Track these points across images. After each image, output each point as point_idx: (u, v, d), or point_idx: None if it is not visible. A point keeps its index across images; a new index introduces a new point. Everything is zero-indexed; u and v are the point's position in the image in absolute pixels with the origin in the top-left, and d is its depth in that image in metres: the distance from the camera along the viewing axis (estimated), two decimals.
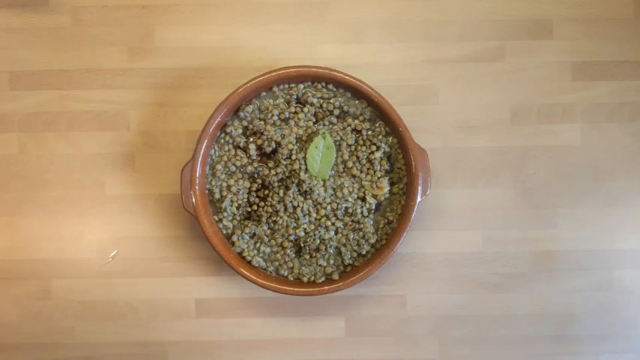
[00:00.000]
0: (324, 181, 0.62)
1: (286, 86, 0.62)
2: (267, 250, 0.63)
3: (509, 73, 0.67)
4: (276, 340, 0.67)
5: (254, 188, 0.62)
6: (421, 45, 0.67)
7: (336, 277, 0.61)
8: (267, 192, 0.62)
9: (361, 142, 0.62)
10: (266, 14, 0.67)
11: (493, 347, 0.67)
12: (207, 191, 0.62)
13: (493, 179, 0.67)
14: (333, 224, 0.62)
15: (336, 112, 0.63)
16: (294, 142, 0.62)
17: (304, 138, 0.62)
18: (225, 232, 0.63)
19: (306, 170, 0.62)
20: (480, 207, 0.67)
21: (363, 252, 0.62)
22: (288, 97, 0.62)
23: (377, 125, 0.62)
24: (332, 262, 0.63)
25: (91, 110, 0.66)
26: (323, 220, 0.62)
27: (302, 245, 0.62)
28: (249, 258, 0.62)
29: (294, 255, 0.63)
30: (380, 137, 0.62)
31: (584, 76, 0.67)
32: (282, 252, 0.62)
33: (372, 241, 0.62)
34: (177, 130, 0.66)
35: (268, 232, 0.62)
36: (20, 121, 0.66)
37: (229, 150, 0.62)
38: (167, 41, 0.67)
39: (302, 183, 0.61)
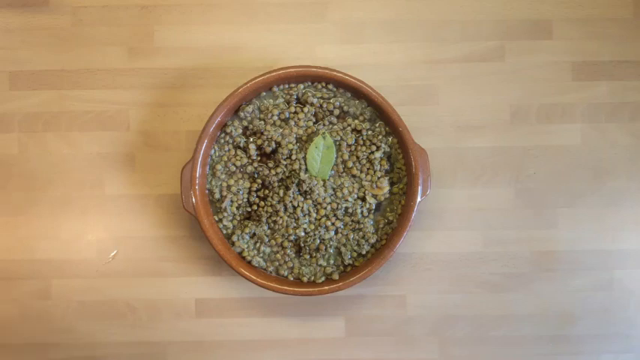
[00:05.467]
0: (324, 181, 0.62)
1: (286, 86, 0.62)
2: (267, 250, 0.63)
3: (509, 73, 0.67)
4: (276, 340, 0.67)
5: (254, 188, 0.62)
6: (421, 45, 0.67)
7: (336, 277, 0.61)
8: (267, 192, 0.62)
9: (361, 142, 0.62)
10: (266, 14, 0.67)
11: (493, 347, 0.67)
12: (207, 191, 0.62)
13: (493, 179, 0.67)
14: (333, 224, 0.62)
15: (336, 112, 0.63)
16: (294, 142, 0.62)
17: (304, 138, 0.62)
18: (225, 232, 0.63)
19: (306, 170, 0.62)
20: (480, 207, 0.67)
21: (363, 252, 0.62)
22: (288, 97, 0.62)
23: (377, 125, 0.62)
24: (332, 262, 0.63)
25: (91, 110, 0.67)
26: (323, 220, 0.62)
27: (302, 245, 0.62)
28: (249, 258, 0.62)
29: (294, 255, 0.63)
30: (380, 137, 0.62)
31: (584, 76, 0.67)
32: (282, 252, 0.62)
33: (372, 241, 0.62)
34: (177, 130, 0.67)
35: (268, 232, 0.62)
36: (20, 121, 0.66)
37: (229, 150, 0.62)
38: (167, 41, 0.67)
39: (302, 183, 0.61)
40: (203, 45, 0.67)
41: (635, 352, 0.67)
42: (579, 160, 0.67)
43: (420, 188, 0.60)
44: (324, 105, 0.62)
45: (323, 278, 0.62)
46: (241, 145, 0.62)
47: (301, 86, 0.62)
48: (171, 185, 0.66)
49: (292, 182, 0.61)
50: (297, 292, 0.60)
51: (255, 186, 0.62)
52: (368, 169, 0.62)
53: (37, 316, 0.67)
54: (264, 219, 0.62)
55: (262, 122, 0.62)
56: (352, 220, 0.62)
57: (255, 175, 0.63)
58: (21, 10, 0.67)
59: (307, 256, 0.62)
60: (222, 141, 0.62)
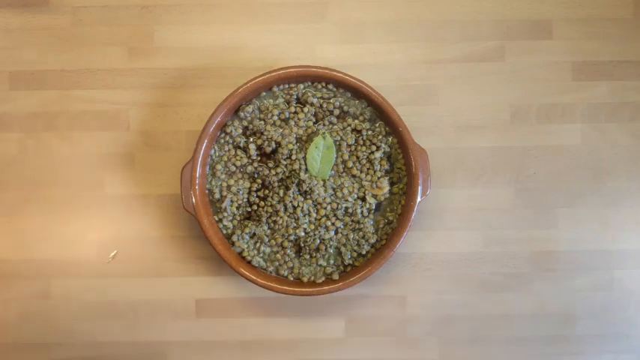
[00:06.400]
0: (324, 181, 0.62)
1: (286, 86, 0.62)
2: (267, 250, 0.63)
3: (509, 73, 0.67)
4: (276, 340, 0.67)
5: (254, 188, 0.62)
6: (421, 45, 0.67)
7: (336, 277, 0.61)
8: (267, 192, 0.62)
9: (361, 142, 0.62)
10: (266, 14, 0.67)
11: (493, 347, 0.67)
12: (207, 191, 0.62)
13: (493, 179, 0.67)
14: (333, 224, 0.62)
15: (336, 112, 0.63)
16: (294, 142, 0.62)
17: (304, 138, 0.62)
18: (225, 232, 0.63)
19: (306, 170, 0.62)
20: (480, 207, 0.67)
21: (363, 252, 0.62)
22: (288, 97, 0.62)
23: (377, 125, 0.62)
24: (332, 262, 0.63)
25: (91, 110, 0.66)
26: (323, 220, 0.62)
27: (302, 245, 0.62)
28: (249, 258, 0.62)
29: (294, 255, 0.63)
30: (380, 137, 0.62)
31: (584, 76, 0.67)
32: (282, 252, 0.62)
33: (372, 241, 0.62)
34: (177, 130, 0.67)
35: (268, 232, 0.62)
36: (20, 121, 0.66)
37: (229, 150, 0.62)
38: (167, 41, 0.67)
39: (302, 183, 0.61)
40: (203, 45, 0.67)
41: (635, 352, 0.67)
42: (579, 160, 0.67)
43: (420, 188, 0.60)
44: (324, 105, 0.62)
45: (323, 278, 0.62)
46: (241, 145, 0.62)
47: (301, 86, 0.62)
48: (172, 185, 0.66)
49: (292, 182, 0.61)
50: (297, 292, 0.60)
51: (255, 186, 0.62)
52: (368, 169, 0.62)
53: (37, 316, 0.67)
54: (264, 219, 0.62)
55: (262, 122, 0.62)
56: (352, 220, 0.62)
57: (255, 175, 0.63)
58: (21, 10, 0.67)
59: (307, 256, 0.62)
60: (222, 141, 0.62)
